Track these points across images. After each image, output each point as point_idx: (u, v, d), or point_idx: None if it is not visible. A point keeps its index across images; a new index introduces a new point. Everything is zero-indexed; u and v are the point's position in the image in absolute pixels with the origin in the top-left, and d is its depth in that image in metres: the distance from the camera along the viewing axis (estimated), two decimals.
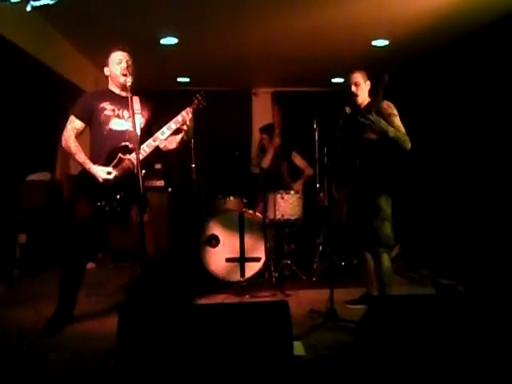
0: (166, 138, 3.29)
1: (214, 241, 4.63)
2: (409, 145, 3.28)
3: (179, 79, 6.51)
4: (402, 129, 3.31)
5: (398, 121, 3.33)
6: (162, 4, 4.00)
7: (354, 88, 3.49)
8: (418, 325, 2.11)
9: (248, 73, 6.41)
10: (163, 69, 5.92)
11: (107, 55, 3.28)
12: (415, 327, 2.10)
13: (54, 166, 5.85)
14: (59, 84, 5.00)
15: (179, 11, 4.16)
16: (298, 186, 5.22)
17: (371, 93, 3.46)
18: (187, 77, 6.44)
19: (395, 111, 3.36)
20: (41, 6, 2.50)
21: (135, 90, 3.03)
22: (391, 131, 3.21)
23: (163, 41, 4.88)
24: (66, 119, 3.24)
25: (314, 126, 4.60)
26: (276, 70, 6.25)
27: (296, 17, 4.33)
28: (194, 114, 3.34)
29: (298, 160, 5.37)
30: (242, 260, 4.59)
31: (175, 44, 4.97)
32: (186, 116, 3.30)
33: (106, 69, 3.30)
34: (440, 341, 2.07)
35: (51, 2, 2.48)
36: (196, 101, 3.39)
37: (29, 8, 2.50)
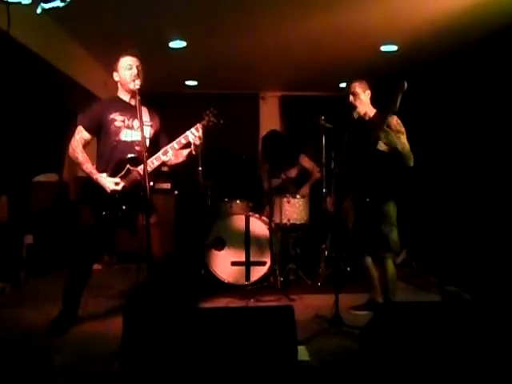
0: (174, 152, 3.29)
1: (219, 244, 4.63)
2: (412, 162, 3.33)
3: (187, 82, 6.53)
4: (407, 146, 3.35)
5: (404, 138, 3.36)
6: (172, 8, 4.01)
7: (351, 98, 3.50)
8: (423, 332, 2.10)
9: (256, 77, 6.41)
10: (171, 72, 5.94)
11: (116, 59, 3.24)
12: (420, 334, 2.09)
13: (62, 167, 5.87)
14: (68, 86, 5.02)
15: (188, 15, 4.18)
16: (306, 189, 5.20)
17: (388, 99, 3.24)
18: (195, 80, 6.46)
19: (403, 129, 3.40)
20: (51, 9, 2.50)
21: (143, 93, 3.03)
22: (400, 145, 3.26)
23: (172, 44, 4.89)
24: (75, 122, 3.24)
25: (321, 130, 4.60)
26: (284, 74, 6.25)
27: (305, 22, 4.33)
28: (203, 130, 3.32)
29: (307, 162, 5.34)
30: (247, 264, 4.59)
31: (184, 47, 4.99)
32: (195, 132, 3.29)
33: (115, 74, 3.27)
34: (445, 348, 2.06)
35: (61, 5, 2.48)
36: (206, 117, 3.36)
37: (39, 10, 2.50)
